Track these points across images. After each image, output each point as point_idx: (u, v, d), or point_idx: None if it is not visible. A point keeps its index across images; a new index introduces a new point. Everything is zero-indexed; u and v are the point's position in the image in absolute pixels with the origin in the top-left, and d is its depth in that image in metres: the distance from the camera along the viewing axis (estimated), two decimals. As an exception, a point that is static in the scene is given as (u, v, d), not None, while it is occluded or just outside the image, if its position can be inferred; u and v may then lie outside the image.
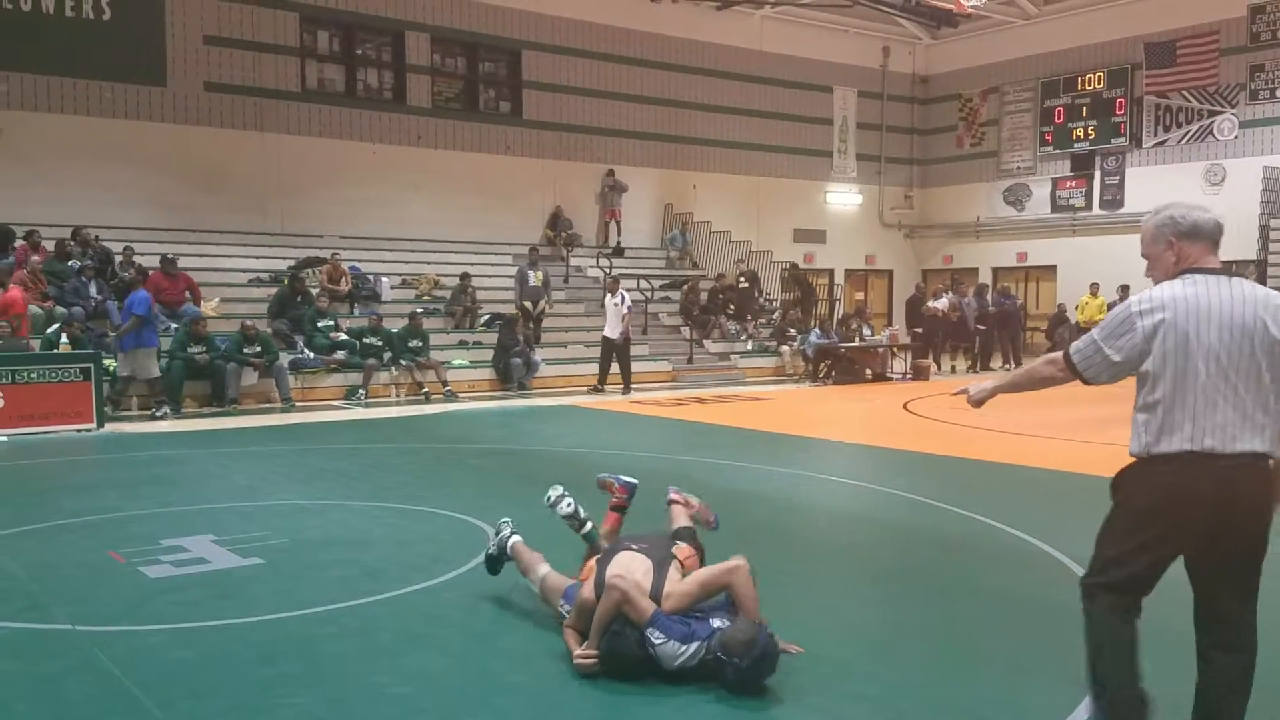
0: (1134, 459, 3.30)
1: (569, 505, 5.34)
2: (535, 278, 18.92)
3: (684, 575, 4.50)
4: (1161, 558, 3.27)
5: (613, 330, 17.22)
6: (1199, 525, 3.19)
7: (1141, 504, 3.25)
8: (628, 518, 5.51)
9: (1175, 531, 3.22)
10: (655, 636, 4.17)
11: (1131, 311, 3.25)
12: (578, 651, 4.36)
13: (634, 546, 4.68)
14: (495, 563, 5.30)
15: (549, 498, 5.41)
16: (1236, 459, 3.13)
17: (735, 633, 4.08)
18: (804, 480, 9.40)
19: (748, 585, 4.36)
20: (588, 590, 4.53)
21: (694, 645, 4.15)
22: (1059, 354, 3.46)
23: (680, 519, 5.15)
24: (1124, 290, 19.70)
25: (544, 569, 5.01)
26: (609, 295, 17.56)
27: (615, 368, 17.52)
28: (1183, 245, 3.28)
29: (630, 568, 4.49)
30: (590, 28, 23.20)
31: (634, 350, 19.63)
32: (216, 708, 4.03)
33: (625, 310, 17.19)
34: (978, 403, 3.79)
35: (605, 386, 17.32)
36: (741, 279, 22.29)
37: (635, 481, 5.59)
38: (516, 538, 5.25)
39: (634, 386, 17.44)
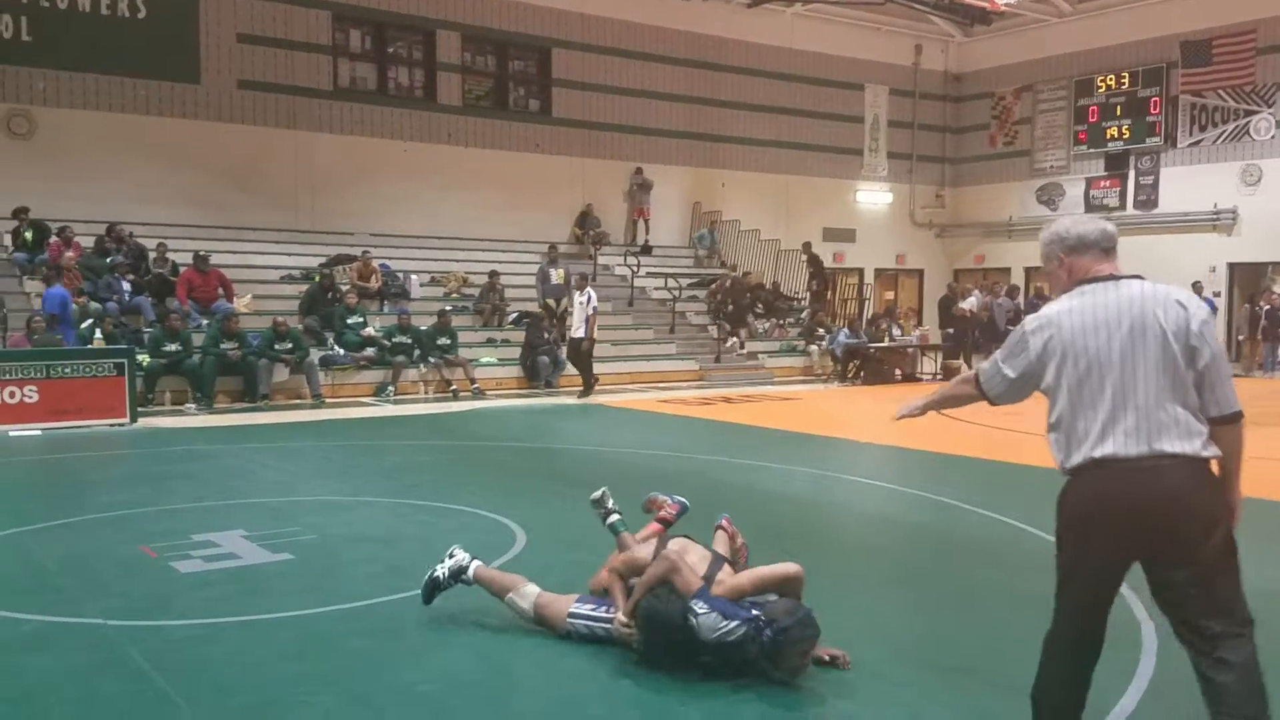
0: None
1: (599, 491, 5.44)
2: (557, 276, 18.88)
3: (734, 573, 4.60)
4: (1099, 567, 3.16)
5: (580, 330, 16.49)
6: (1122, 535, 3.08)
7: (1065, 519, 3.22)
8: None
9: (1100, 544, 3.12)
10: (699, 606, 4.22)
11: (1025, 331, 3.27)
12: (620, 618, 4.48)
13: (695, 539, 4.83)
14: (437, 589, 5.03)
15: (592, 497, 5.53)
16: (1142, 461, 3.03)
17: (779, 603, 4.23)
18: (831, 481, 9.36)
19: (798, 593, 4.43)
20: (646, 550, 4.71)
21: (735, 622, 4.18)
22: (973, 372, 3.52)
23: (720, 546, 5.04)
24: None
25: (533, 587, 4.89)
26: (576, 293, 16.78)
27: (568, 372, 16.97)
28: (1072, 260, 3.29)
29: (688, 549, 4.65)
30: (620, 25, 23.19)
31: (661, 349, 19.68)
32: (243, 703, 4.06)
33: (591, 310, 16.44)
34: (904, 417, 3.84)
35: (594, 389, 16.61)
36: (742, 289, 21.37)
37: (686, 502, 5.52)
38: (477, 563, 5.10)
39: (660, 386, 17.28)
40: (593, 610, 4.69)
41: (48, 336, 13.16)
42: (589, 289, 16.70)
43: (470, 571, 5.04)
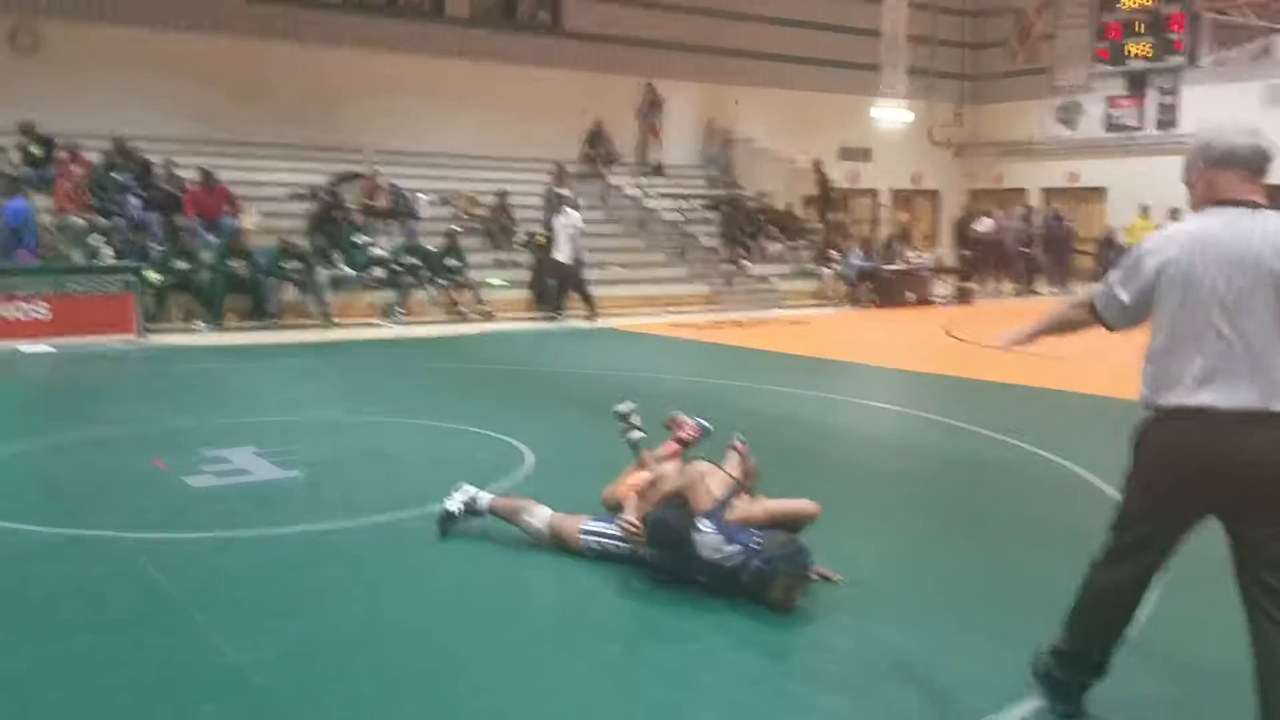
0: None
1: (627, 405, 5.48)
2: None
3: (751, 501, 4.63)
4: (1170, 520, 2.98)
5: (565, 254, 16.08)
6: (1205, 492, 2.87)
7: (1143, 463, 2.99)
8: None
9: (1179, 495, 2.92)
10: (705, 525, 4.28)
11: (1142, 251, 3.00)
12: (630, 517, 4.53)
13: (720, 466, 4.88)
14: (451, 521, 5.03)
15: (618, 409, 5.55)
16: (1239, 416, 2.78)
17: (775, 536, 4.24)
18: (842, 405, 9.35)
19: (806, 529, 4.44)
20: (671, 466, 4.87)
21: (735, 547, 4.21)
22: (1084, 297, 3.28)
23: (731, 466, 5.01)
24: (1174, 214, 19.19)
25: (545, 509, 4.91)
26: (559, 215, 16.38)
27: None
28: (1212, 173, 2.93)
29: (711, 473, 4.70)
30: (632, -64, 22.60)
31: (672, 273, 19.53)
32: (253, 612, 4.11)
33: (573, 232, 16.09)
34: (1009, 346, 3.66)
35: (560, 314, 16.29)
36: (743, 209, 21.01)
37: (709, 425, 5.59)
38: (488, 493, 5.13)
39: (670, 309, 17.10)
40: (605, 527, 4.72)
41: (54, 262, 13.13)
42: (565, 211, 16.29)
43: (482, 502, 5.07)
